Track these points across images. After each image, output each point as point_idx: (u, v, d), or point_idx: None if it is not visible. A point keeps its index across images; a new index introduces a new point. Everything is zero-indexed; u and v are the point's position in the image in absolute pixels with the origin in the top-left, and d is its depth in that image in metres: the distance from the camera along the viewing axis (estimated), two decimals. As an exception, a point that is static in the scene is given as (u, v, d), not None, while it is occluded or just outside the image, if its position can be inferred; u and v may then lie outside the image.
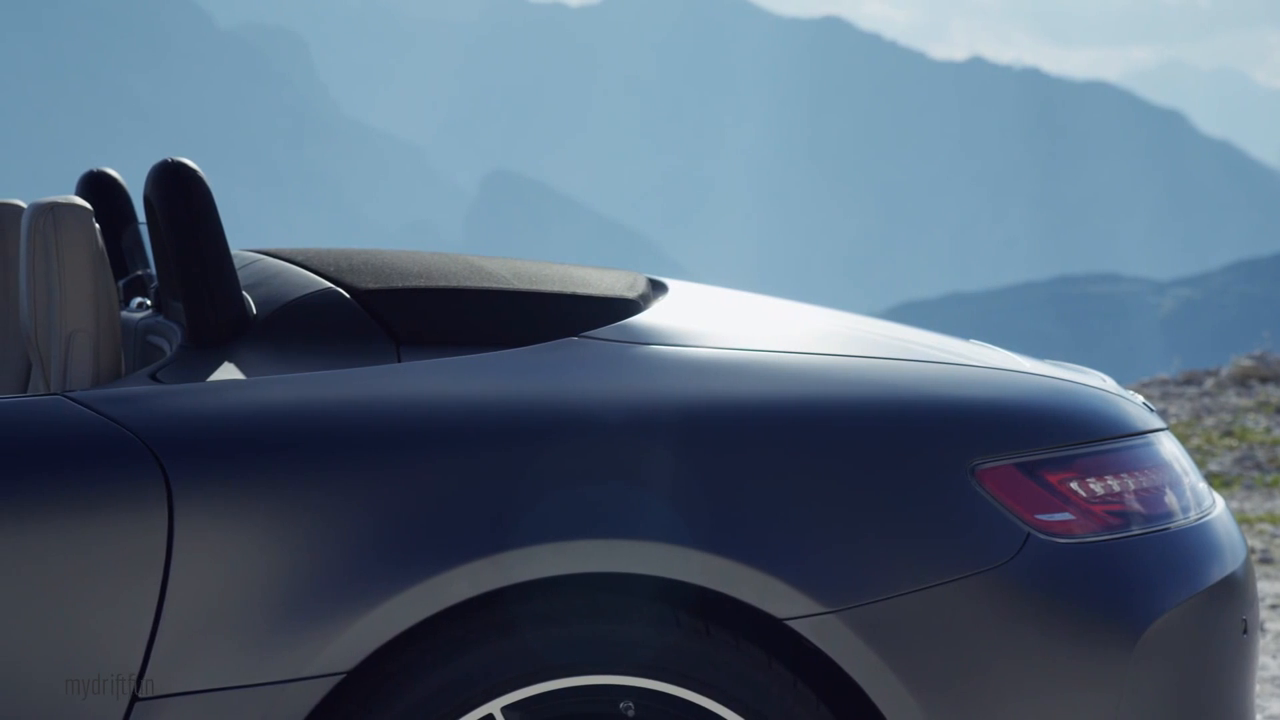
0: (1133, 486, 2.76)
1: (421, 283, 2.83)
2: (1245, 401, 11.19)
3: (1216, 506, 2.92)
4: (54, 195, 2.92)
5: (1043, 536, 2.65)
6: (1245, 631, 2.82)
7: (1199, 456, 9.54)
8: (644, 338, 2.80)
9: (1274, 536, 7.45)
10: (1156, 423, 2.93)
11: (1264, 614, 6.15)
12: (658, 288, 3.05)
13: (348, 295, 2.79)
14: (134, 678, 2.48)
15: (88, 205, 2.85)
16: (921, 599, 2.59)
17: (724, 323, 2.94)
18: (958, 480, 2.64)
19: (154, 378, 2.69)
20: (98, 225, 2.85)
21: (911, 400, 2.73)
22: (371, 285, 2.81)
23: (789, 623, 2.56)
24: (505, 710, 2.56)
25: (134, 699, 2.48)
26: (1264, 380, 11.78)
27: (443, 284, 2.83)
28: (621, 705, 2.58)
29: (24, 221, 2.89)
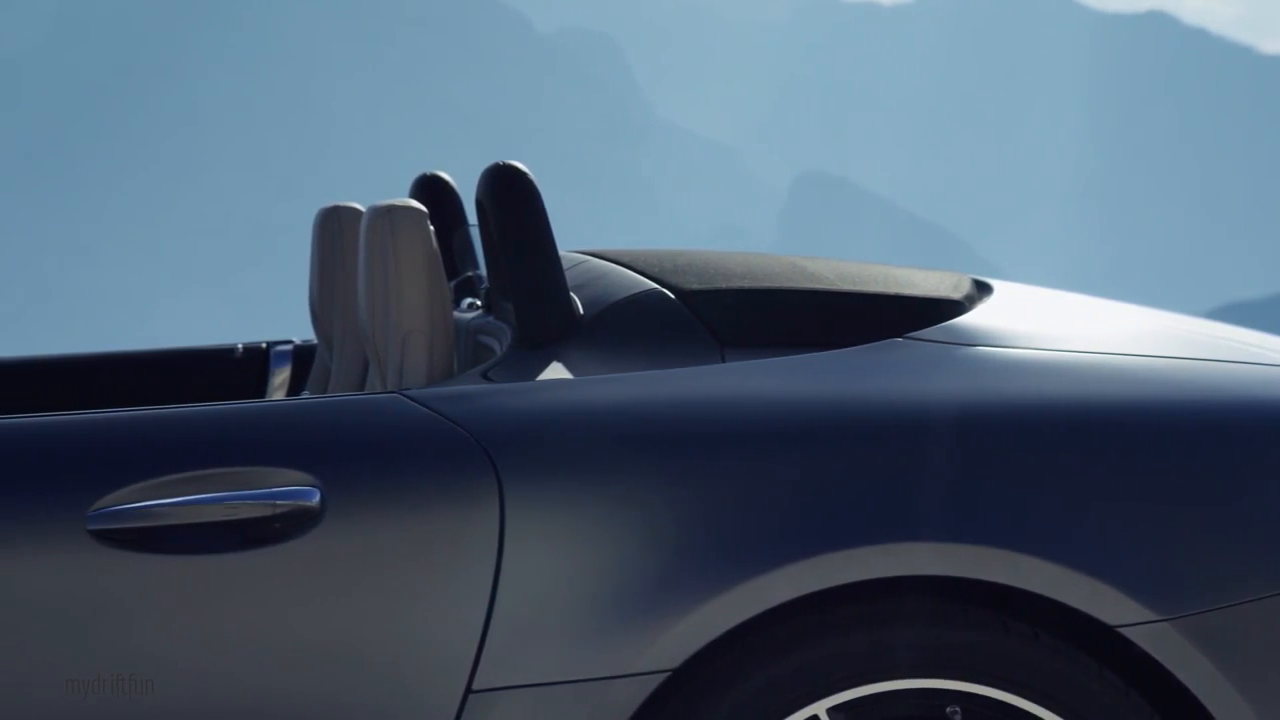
0: None
1: (745, 283, 2.85)
2: None
3: None
4: (389, 199, 2.98)
5: None
6: None
7: None
8: (969, 339, 2.78)
9: None
10: None
11: None
12: (982, 288, 3.01)
13: (672, 296, 2.82)
14: (468, 671, 2.52)
15: (423, 208, 2.91)
16: (1260, 609, 2.55)
17: (1050, 324, 2.89)
18: None
19: (485, 377, 2.73)
20: (431, 227, 2.92)
21: (1246, 404, 2.69)
22: (696, 286, 2.84)
23: (1120, 630, 2.54)
24: (830, 711, 2.56)
25: (468, 691, 2.52)
26: None
27: (766, 284, 2.84)
28: (949, 710, 2.57)
29: (362, 224, 2.97)
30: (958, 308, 2.86)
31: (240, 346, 3.92)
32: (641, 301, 2.81)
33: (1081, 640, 2.60)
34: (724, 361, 2.73)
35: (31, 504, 2.48)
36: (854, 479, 2.56)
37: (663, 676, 2.52)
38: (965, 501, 2.56)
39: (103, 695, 2.47)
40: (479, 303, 3.41)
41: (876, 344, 2.76)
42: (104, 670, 2.48)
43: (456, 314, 3.36)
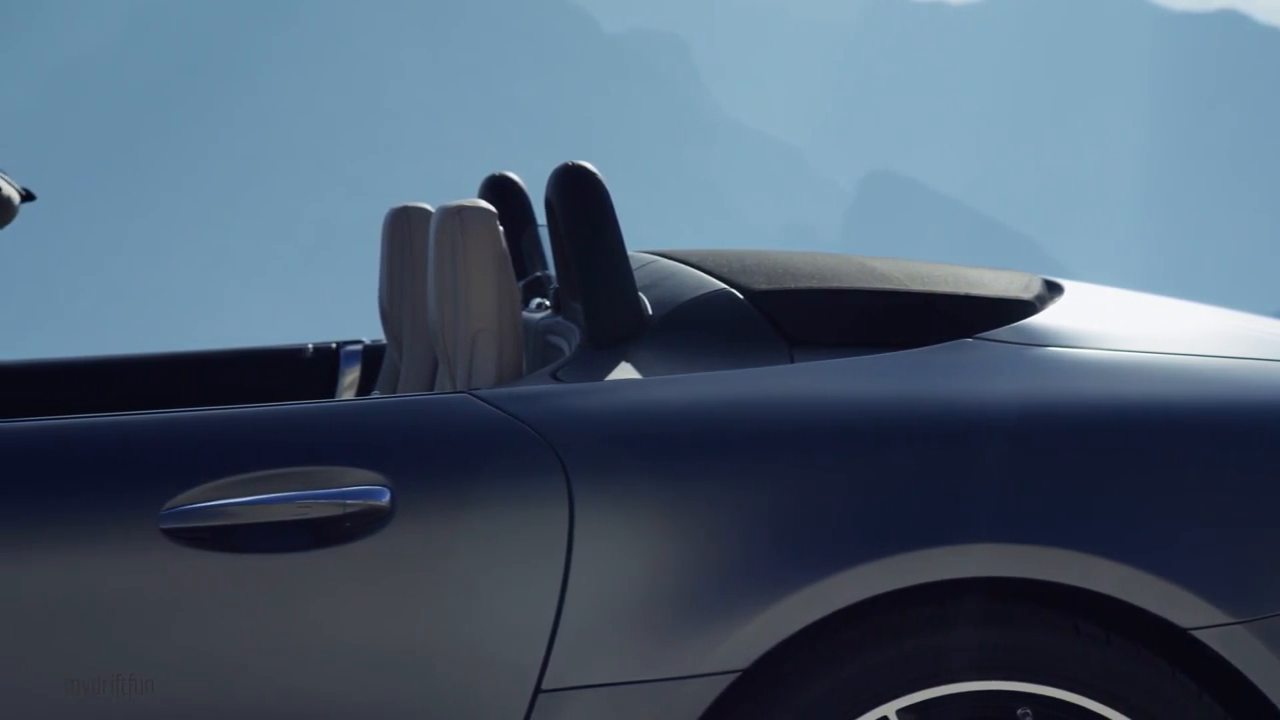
0: None
1: (814, 283, 2.84)
2: None
3: None
4: (458, 199, 2.99)
5: None
6: None
7: None
8: (1040, 339, 2.77)
9: None
10: None
11: None
12: (1053, 289, 2.98)
13: (741, 296, 2.82)
14: (537, 671, 2.52)
15: (492, 208, 2.92)
16: None
17: (1121, 324, 2.87)
18: None
19: (554, 377, 2.73)
20: (501, 227, 2.93)
21: None
22: (764, 286, 2.83)
23: (1193, 632, 2.53)
24: (900, 713, 2.55)
25: (537, 691, 2.52)
26: None
27: (835, 284, 2.84)
28: (1019, 712, 2.56)
29: (432, 224, 2.97)
30: (1029, 308, 2.85)
31: (311, 346, 3.93)
32: (710, 302, 2.82)
33: (1152, 642, 2.59)
34: (793, 362, 2.73)
35: (105, 502, 2.49)
36: (924, 480, 2.55)
37: (732, 677, 2.52)
38: (1036, 503, 2.54)
39: (173, 692, 2.49)
40: (547, 303, 3.41)
41: (947, 344, 2.75)
42: (175, 667, 2.49)
43: (525, 314, 3.36)
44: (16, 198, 2.84)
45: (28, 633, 2.47)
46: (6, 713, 2.47)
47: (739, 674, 2.52)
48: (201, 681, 2.48)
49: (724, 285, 2.85)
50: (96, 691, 2.47)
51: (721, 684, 2.51)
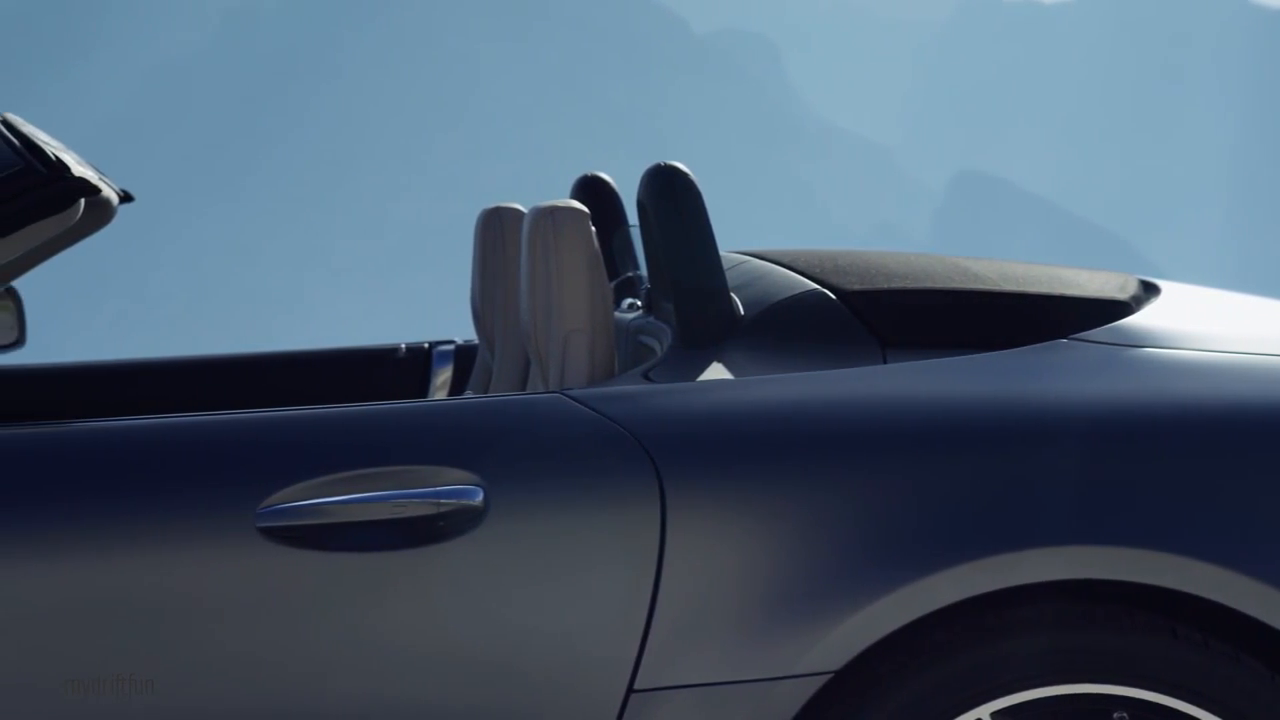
0: None
1: (907, 284, 2.83)
2: None
3: None
4: (550, 200, 3.00)
5: None
6: None
7: None
8: (1136, 340, 2.75)
9: None
10: None
11: None
12: (1149, 289, 2.96)
13: (833, 296, 2.82)
14: (629, 670, 2.53)
15: (585, 209, 2.93)
16: None
17: (1217, 324, 2.85)
18: None
19: (646, 377, 2.75)
20: (593, 228, 2.95)
21: None
22: (857, 286, 2.83)
23: None
24: (994, 715, 2.55)
25: (629, 691, 2.53)
26: None
27: (928, 285, 2.83)
28: (1115, 715, 2.55)
29: (525, 225, 2.99)
30: (1125, 308, 2.83)
31: (403, 346, 3.95)
32: (803, 302, 2.81)
33: (1250, 646, 2.58)
34: (886, 363, 2.72)
35: (203, 501, 2.52)
36: (1020, 482, 2.54)
37: (825, 678, 2.52)
38: (1133, 505, 2.53)
39: (267, 689, 2.50)
40: (639, 303, 3.44)
41: (1042, 345, 2.74)
42: (270, 665, 2.51)
43: (617, 314, 3.38)
44: (115, 199, 2.89)
45: (125, 628, 2.49)
46: (105, 706, 2.50)
47: (831, 675, 2.52)
48: (296, 679, 2.50)
49: (817, 285, 2.84)
50: (193, 686, 2.50)
51: (814, 685, 2.51)
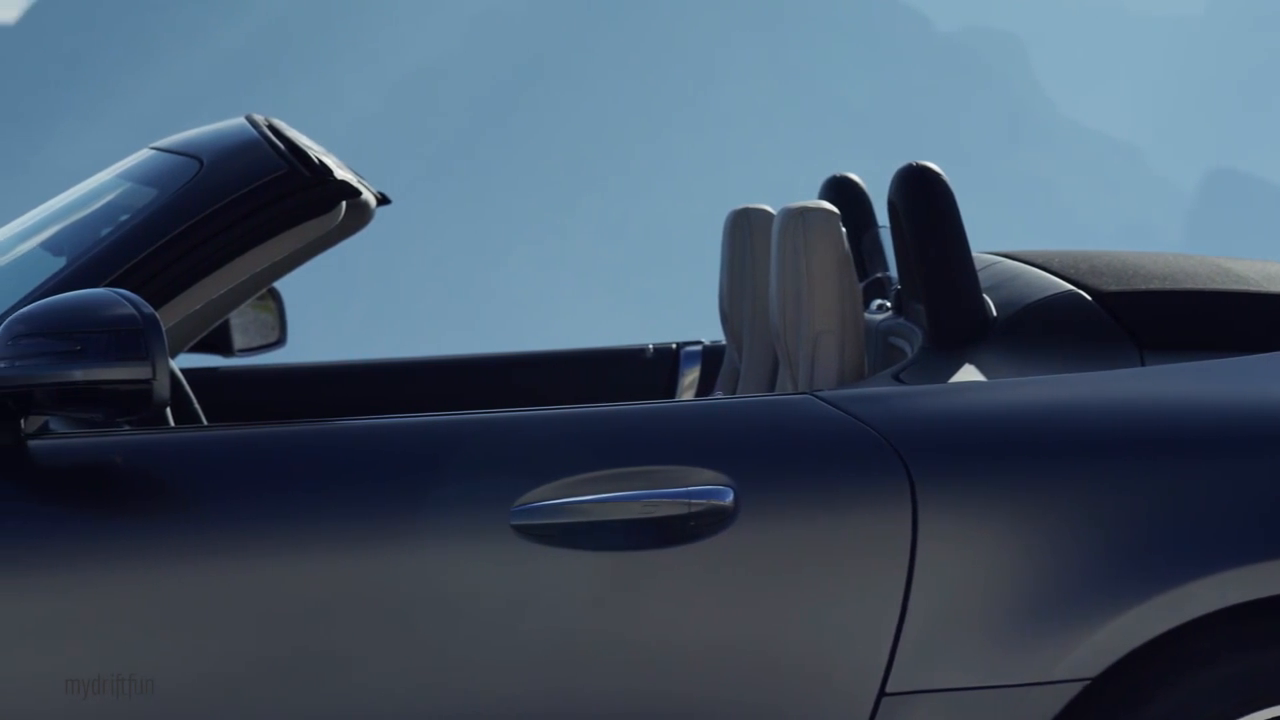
0: None
1: (1165, 284, 2.78)
2: None
3: None
4: (800, 200, 3.00)
5: None
6: None
7: None
8: None
9: None
10: None
11: None
12: None
13: (1089, 298, 2.77)
14: (881, 673, 2.52)
15: (835, 210, 2.93)
16: None
17: None
18: None
19: (897, 378, 2.73)
20: (843, 229, 2.94)
21: None
22: (1114, 288, 2.78)
23: None
24: None
25: (881, 693, 2.52)
26: None
27: (1188, 286, 2.77)
28: None
29: (775, 225, 2.99)
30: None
31: (651, 347, 3.97)
32: (1057, 303, 2.77)
33: None
34: (1143, 365, 2.68)
35: (460, 498, 2.54)
36: None
37: (1081, 685, 2.49)
38: None
39: (518, 685, 2.52)
40: (888, 304, 3.42)
41: None
42: (522, 662, 2.52)
43: (866, 315, 3.37)
44: (373, 201, 2.94)
45: (380, 623, 2.51)
46: (362, 695, 2.52)
47: (1088, 682, 2.49)
48: (547, 675, 2.51)
49: (1072, 287, 2.80)
50: (447, 683, 2.51)
51: (1070, 692, 2.48)
